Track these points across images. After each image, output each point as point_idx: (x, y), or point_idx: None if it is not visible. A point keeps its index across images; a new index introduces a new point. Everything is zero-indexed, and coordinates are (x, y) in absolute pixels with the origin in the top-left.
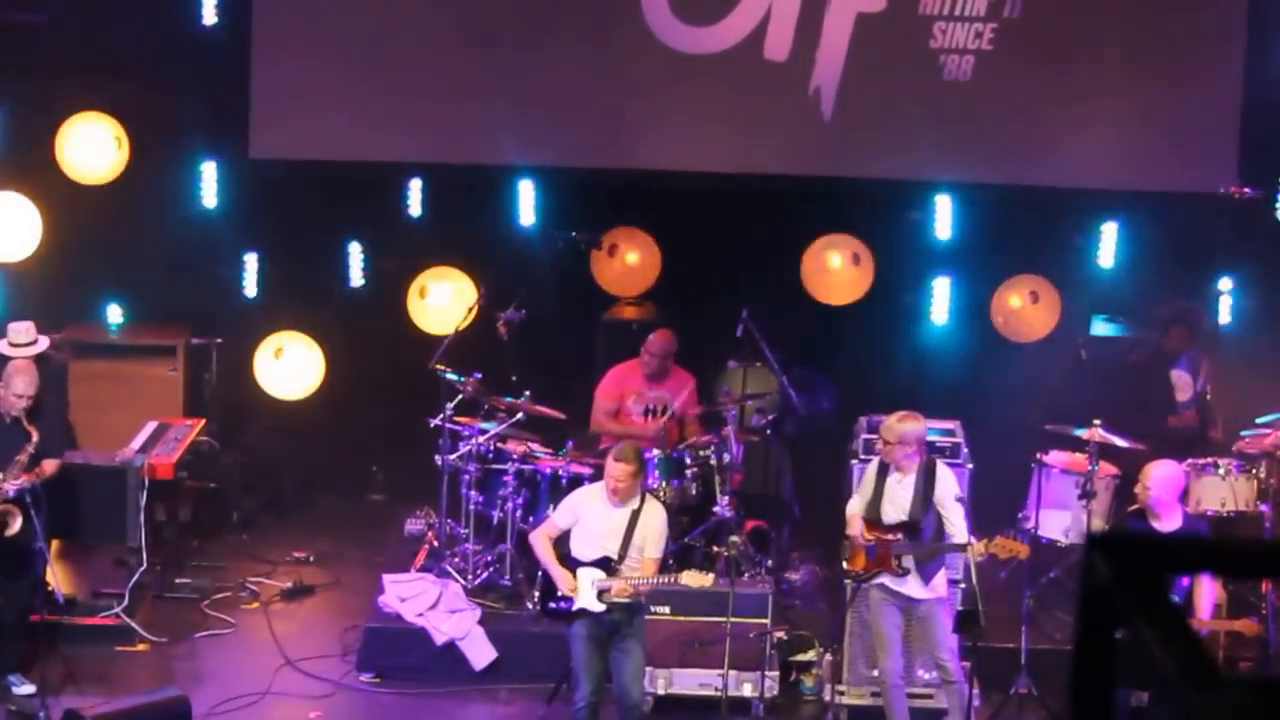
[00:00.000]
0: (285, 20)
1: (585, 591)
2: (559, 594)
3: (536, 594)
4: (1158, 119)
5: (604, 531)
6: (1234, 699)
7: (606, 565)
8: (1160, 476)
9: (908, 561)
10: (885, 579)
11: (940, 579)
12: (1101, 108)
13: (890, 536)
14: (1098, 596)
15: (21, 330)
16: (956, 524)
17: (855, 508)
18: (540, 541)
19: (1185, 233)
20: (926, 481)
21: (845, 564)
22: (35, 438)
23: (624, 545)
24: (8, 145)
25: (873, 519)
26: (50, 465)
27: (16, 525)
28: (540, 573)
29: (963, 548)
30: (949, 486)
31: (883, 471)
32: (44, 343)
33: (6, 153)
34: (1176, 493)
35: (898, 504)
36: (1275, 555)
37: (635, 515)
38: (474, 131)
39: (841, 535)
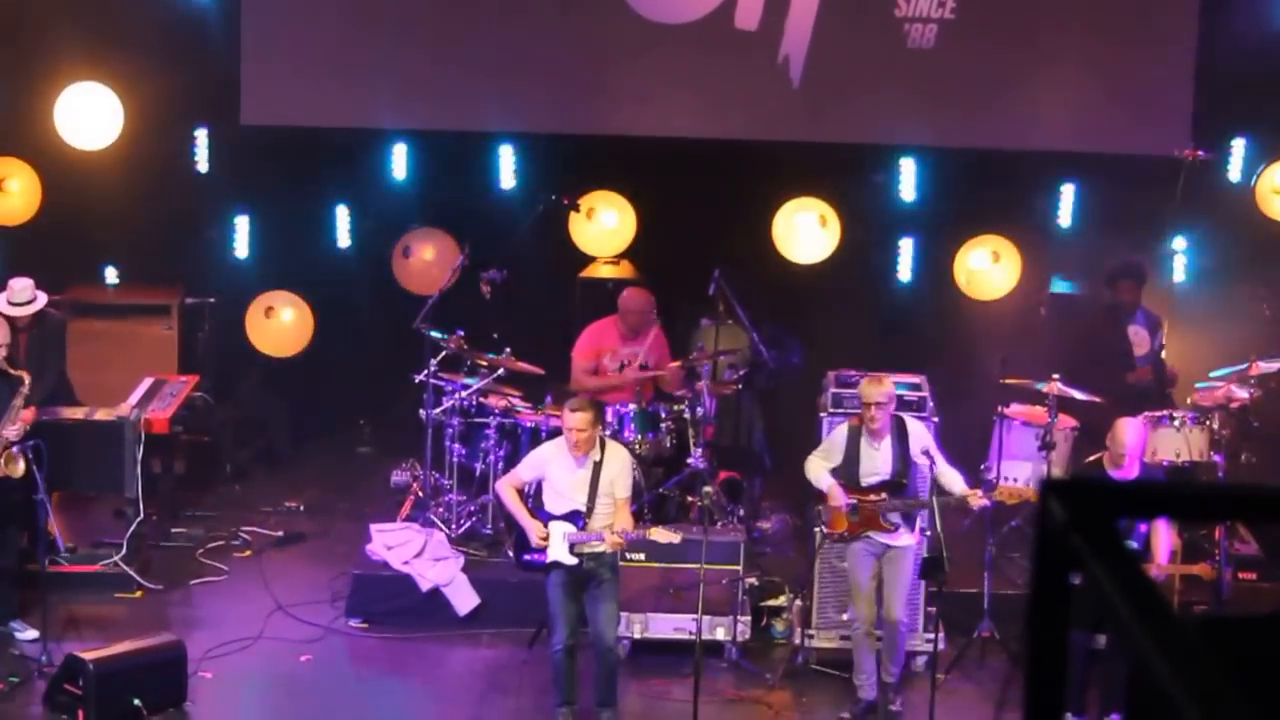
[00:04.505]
0: None
1: (557, 544)
2: (533, 547)
3: (511, 551)
4: (1114, 84)
5: (571, 486)
6: (1185, 638)
7: (577, 518)
8: (1133, 437)
9: (895, 517)
10: (872, 534)
11: (915, 525)
12: (1059, 74)
13: (874, 497)
14: (1053, 540)
15: (20, 288)
16: (949, 472)
17: (824, 476)
18: (506, 492)
19: (1140, 194)
20: (901, 438)
21: (825, 529)
22: (28, 380)
23: (591, 497)
24: (7, 112)
25: (850, 482)
26: (29, 413)
27: (19, 468)
28: (515, 526)
29: (964, 499)
30: (923, 436)
31: (854, 436)
32: (42, 299)
33: (6, 120)
34: (1143, 447)
35: (877, 466)
36: (1223, 499)
37: (598, 466)
38: (456, 99)
39: (810, 485)
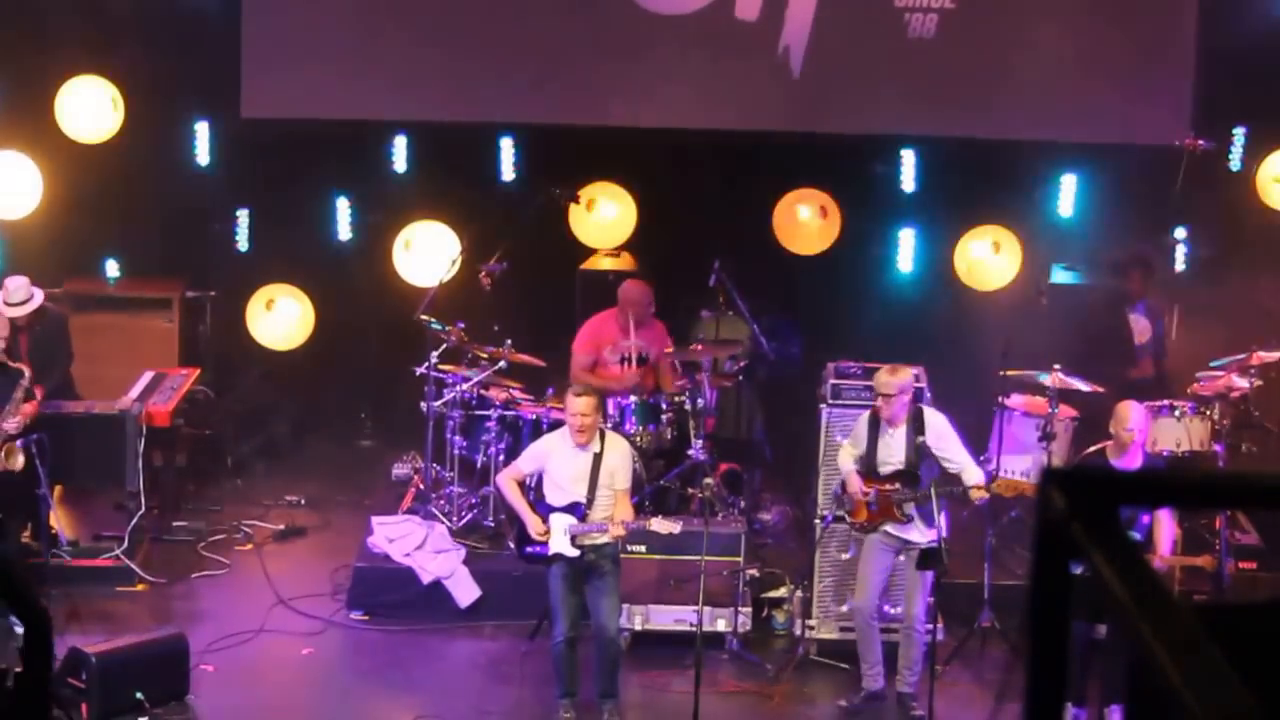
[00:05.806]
0: None
1: (559, 537)
2: (534, 539)
3: (513, 544)
4: (1115, 74)
5: (571, 478)
6: (1186, 627)
7: (578, 510)
8: (1138, 417)
9: (910, 508)
10: (888, 526)
11: (940, 521)
12: (1060, 63)
13: (889, 487)
14: (1053, 529)
15: (15, 287)
16: (963, 461)
17: (849, 463)
18: (507, 485)
19: (1141, 183)
20: (917, 429)
21: (847, 518)
22: (28, 374)
23: (591, 488)
24: (8, 106)
25: (869, 471)
26: (30, 406)
27: (19, 462)
28: (517, 519)
29: (981, 487)
30: (941, 431)
31: (874, 425)
32: (39, 297)
33: (7, 113)
34: (1147, 430)
35: (893, 454)
36: (1221, 486)
37: (598, 458)
38: (457, 90)
39: (810, 477)
